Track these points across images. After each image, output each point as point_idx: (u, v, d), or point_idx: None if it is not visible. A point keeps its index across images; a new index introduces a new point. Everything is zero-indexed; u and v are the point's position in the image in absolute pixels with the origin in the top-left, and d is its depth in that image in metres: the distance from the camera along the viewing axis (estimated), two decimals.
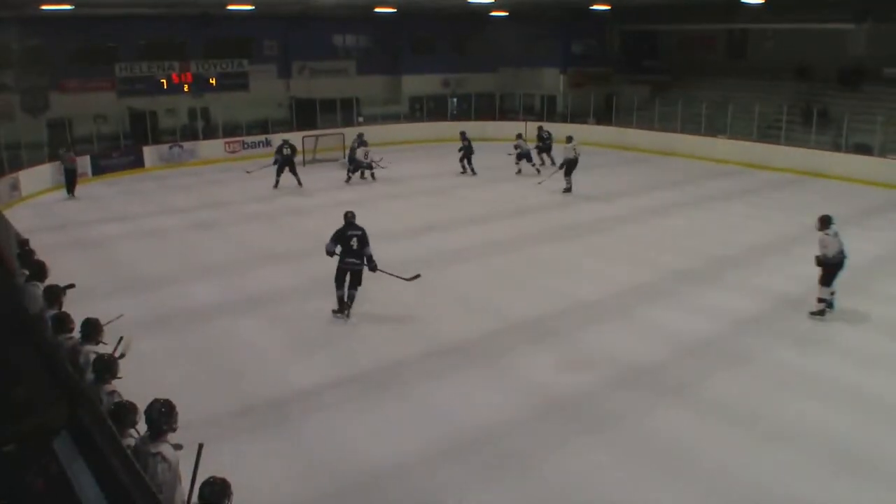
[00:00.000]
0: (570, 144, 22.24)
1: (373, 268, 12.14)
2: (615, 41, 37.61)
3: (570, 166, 22.19)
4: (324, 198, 22.06)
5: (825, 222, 12.00)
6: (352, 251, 12.02)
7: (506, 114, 36.30)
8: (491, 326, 12.05)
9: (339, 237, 12.03)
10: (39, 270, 9.21)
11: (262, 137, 30.48)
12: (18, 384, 3.01)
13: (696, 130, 29.76)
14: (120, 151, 27.64)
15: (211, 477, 5.08)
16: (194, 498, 5.16)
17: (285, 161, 23.40)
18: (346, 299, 12.20)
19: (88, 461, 2.56)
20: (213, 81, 31.59)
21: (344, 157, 26.48)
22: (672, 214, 19.78)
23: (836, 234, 11.98)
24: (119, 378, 6.67)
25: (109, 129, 28.64)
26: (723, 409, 9.31)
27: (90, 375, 6.53)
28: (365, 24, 35.01)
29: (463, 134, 26.37)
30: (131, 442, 5.45)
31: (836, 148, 25.91)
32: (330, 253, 12.09)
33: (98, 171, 25.98)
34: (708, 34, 34.81)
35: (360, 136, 25.77)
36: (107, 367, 6.54)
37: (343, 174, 24.83)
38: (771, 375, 10.24)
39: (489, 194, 22.48)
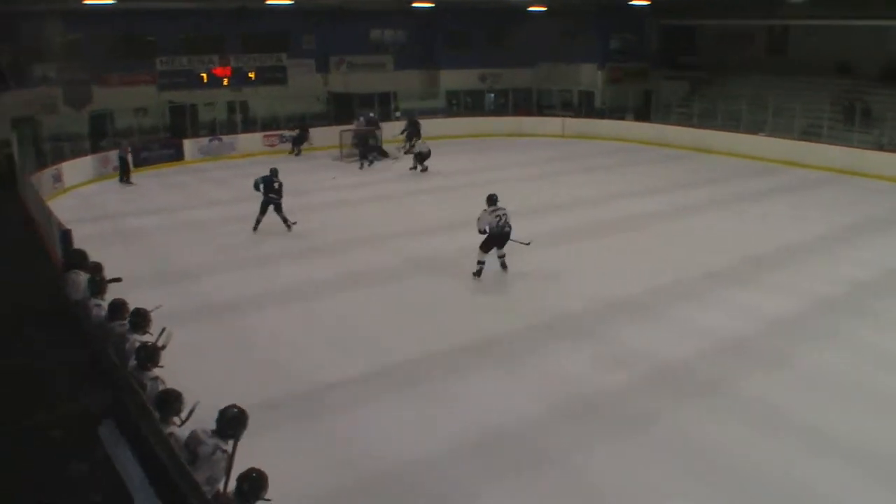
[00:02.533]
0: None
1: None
2: (653, 36, 37.27)
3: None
4: (361, 192, 22.22)
5: None
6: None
7: (543, 109, 36.18)
8: (521, 323, 12.05)
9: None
10: (81, 259, 9.38)
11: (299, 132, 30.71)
12: (61, 370, 3.09)
13: (736, 127, 29.43)
14: (160, 144, 28.02)
15: (251, 468, 5.19)
16: (230, 487, 5.28)
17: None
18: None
19: (133, 447, 2.64)
20: (252, 75, 31.89)
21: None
22: (709, 212, 19.59)
23: None
24: (160, 367, 6.81)
25: (150, 123, 29.09)
26: (758, 411, 9.21)
27: (133, 363, 6.67)
28: (402, 19, 35.09)
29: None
30: (174, 429, 5.56)
31: (879, 147, 25.48)
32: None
33: (139, 163, 26.33)
34: (747, 30, 34.35)
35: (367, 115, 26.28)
36: (150, 355, 6.69)
37: (386, 168, 24.80)
38: (808, 378, 10.12)
39: (523, 189, 22.44)
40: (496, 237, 13.69)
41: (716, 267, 14.79)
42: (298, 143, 29.09)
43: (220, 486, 5.35)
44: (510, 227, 13.73)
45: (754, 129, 28.97)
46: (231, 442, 5.58)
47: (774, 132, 28.25)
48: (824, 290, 13.37)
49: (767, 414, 9.11)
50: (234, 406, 5.79)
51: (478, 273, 13.87)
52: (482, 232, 13.69)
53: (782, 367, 10.42)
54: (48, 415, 2.35)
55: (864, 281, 14.05)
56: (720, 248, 16.11)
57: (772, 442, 8.48)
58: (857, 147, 25.69)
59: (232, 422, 5.66)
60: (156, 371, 6.72)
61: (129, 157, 24.55)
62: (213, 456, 5.47)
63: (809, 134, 27.67)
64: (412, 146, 26.78)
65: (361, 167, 25.17)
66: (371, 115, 29.47)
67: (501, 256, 14.01)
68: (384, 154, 26.24)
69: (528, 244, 14.01)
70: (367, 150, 25.16)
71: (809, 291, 13.38)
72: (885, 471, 7.94)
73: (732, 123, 29.64)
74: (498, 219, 13.59)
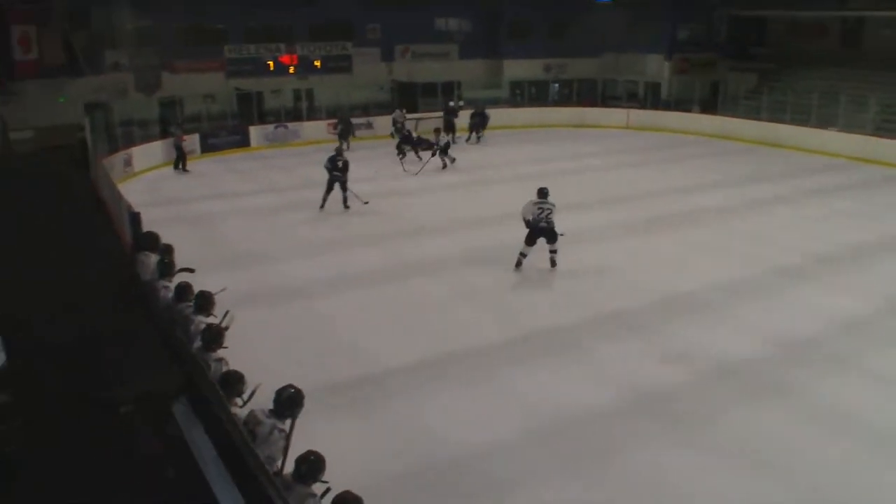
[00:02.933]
0: None
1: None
2: (722, 26, 36.54)
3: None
4: (423, 181, 22.34)
5: None
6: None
7: (607, 100, 35.82)
8: (582, 316, 12.01)
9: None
10: (152, 241, 9.60)
11: (364, 120, 30.91)
12: (132, 349, 3.20)
13: (805, 121, 28.72)
14: (227, 130, 28.50)
15: (308, 451, 5.29)
16: (288, 469, 5.38)
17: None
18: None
19: (206, 426, 2.72)
20: (317, 64, 32.17)
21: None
22: (775, 208, 19.21)
23: None
24: (224, 348, 6.98)
25: (217, 109, 29.59)
26: (822, 413, 9.05)
27: (198, 344, 6.85)
28: (467, 8, 35.05)
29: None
30: (235, 410, 5.70)
31: None
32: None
33: (206, 148, 26.89)
34: (820, 20, 33.46)
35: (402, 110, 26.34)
36: (214, 336, 6.87)
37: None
38: (874, 381, 9.88)
39: (586, 180, 22.30)
40: (534, 230, 13.54)
41: (781, 263, 14.53)
42: (344, 136, 27.67)
43: (278, 466, 5.46)
44: (549, 223, 13.49)
45: (824, 123, 28.24)
46: (288, 422, 5.69)
47: (846, 127, 27.51)
48: (894, 291, 13.05)
49: (833, 418, 8.94)
50: (290, 386, 5.90)
51: (517, 265, 13.81)
52: (526, 221, 13.60)
53: (849, 369, 10.20)
54: (121, 392, 2.44)
55: None
56: (786, 244, 15.80)
57: (838, 449, 8.29)
58: None
59: (288, 402, 5.77)
60: (220, 352, 6.91)
61: (184, 145, 24.79)
62: (271, 436, 5.58)
63: (883, 129, 26.85)
64: (478, 137, 26.73)
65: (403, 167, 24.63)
66: (451, 103, 29.34)
67: (552, 252, 13.85)
68: (417, 147, 25.08)
69: (562, 234, 13.79)
70: (404, 141, 24.63)
71: (878, 292, 13.07)
72: None
73: (801, 117, 28.93)
74: (540, 211, 13.44)
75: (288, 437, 5.56)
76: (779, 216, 18.47)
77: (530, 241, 13.66)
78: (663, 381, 9.77)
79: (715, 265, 14.42)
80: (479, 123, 28.68)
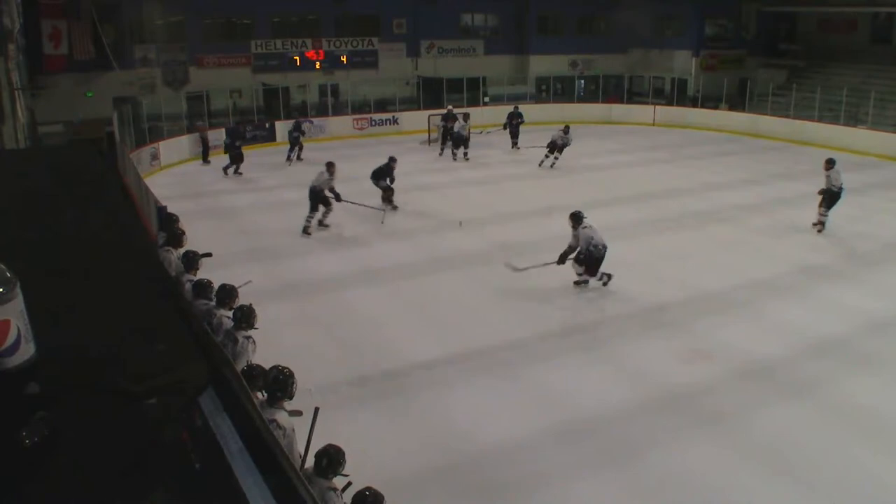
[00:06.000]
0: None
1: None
2: (751, 22, 36.20)
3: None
4: (451, 176, 22.34)
5: None
6: None
7: (634, 97, 35.60)
8: (609, 313, 11.97)
9: None
10: (175, 238, 9.66)
11: (389, 115, 30.95)
12: (159, 342, 3.20)
13: (835, 119, 28.35)
14: (254, 125, 28.63)
15: (328, 445, 5.28)
16: (309, 462, 5.38)
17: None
18: None
19: (232, 417, 2.72)
20: (343, 59, 32.24)
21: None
22: (803, 206, 18.98)
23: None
24: (255, 329, 7.11)
25: (244, 104, 29.75)
26: (847, 414, 8.96)
27: (229, 324, 7.11)
28: (493, 3, 35.03)
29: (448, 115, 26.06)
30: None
31: None
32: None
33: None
34: (850, 16, 33.05)
35: (451, 110, 26.00)
36: (246, 315, 7.09)
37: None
38: None
39: (613, 177, 22.17)
40: (596, 258, 12.57)
41: (809, 262, 14.40)
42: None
43: (298, 461, 5.46)
44: (605, 246, 12.59)
45: (854, 121, 27.89)
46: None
47: (875, 125, 27.15)
48: None
49: (858, 419, 8.86)
50: (276, 366, 5.89)
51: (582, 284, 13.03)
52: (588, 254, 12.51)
53: (878, 370, 10.09)
54: (148, 384, 2.46)
55: None
56: (815, 242, 15.65)
57: (862, 450, 8.21)
58: None
59: (279, 383, 5.72)
60: (249, 332, 7.09)
61: (209, 137, 24.95)
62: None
63: None
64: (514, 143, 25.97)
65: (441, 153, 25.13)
66: (450, 107, 27.68)
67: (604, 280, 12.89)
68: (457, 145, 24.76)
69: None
70: (457, 141, 24.61)
71: None
72: None
73: (831, 115, 28.58)
74: (591, 237, 12.47)
75: (310, 431, 5.55)
76: (808, 214, 18.26)
77: (595, 272, 12.74)
78: (689, 379, 9.72)
79: (742, 263, 14.31)
80: (516, 126, 26.80)
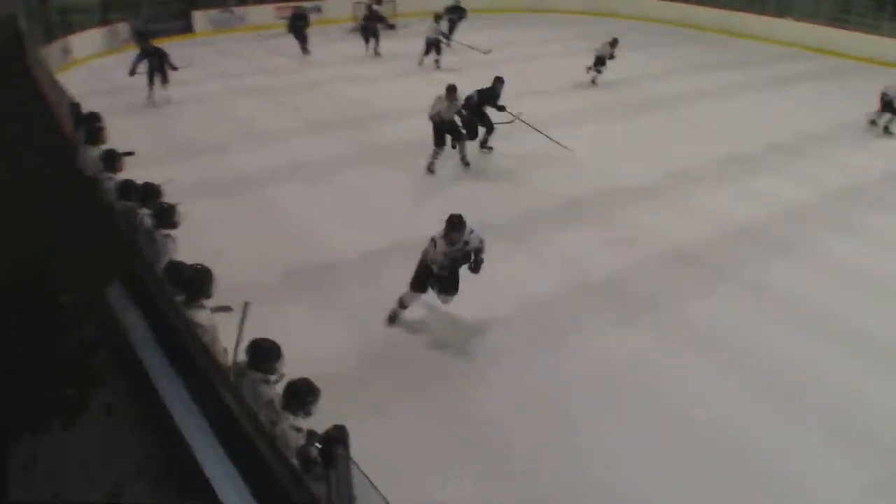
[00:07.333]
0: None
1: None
2: None
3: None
4: (383, 69, 21.93)
5: None
6: None
7: None
8: (538, 203, 12.06)
9: None
10: (93, 134, 9.30)
11: (313, 3, 29.81)
12: (73, 239, 3.09)
13: (763, 10, 28.45)
14: (169, 16, 27.35)
15: (258, 338, 5.22)
16: (240, 357, 5.33)
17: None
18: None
19: (143, 311, 2.64)
20: None
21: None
22: (729, 97, 19.21)
23: None
24: (177, 227, 6.99)
25: None
26: (766, 295, 9.39)
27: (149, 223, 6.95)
28: None
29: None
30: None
31: None
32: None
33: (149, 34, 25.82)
34: None
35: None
36: (166, 214, 6.94)
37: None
38: (819, 266, 10.22)
39: (544, 67, 21.97)
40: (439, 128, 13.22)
41: (733, 152, 14.66)
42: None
43: (230, 357, 5.41)
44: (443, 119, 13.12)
45: (781, 12, 28.01)
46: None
47: (802, 16, 27.31)
48: (842, 181, 13.37)
49: (778, 302, 9.26)
50: (192, 266, 5.84)
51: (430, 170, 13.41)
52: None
53: (795, 255, 10.51)
54: (57, 280, 2.37)
55: (890, 171, 14.12)
56: (740, 133, 15.93)
57: (781, 327, 8.63)
58: (889, 37, 24.80)
59: (194, 283, 5.69)
60: (171, 232, 6.91)
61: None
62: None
63: (839, 21, 26.68)
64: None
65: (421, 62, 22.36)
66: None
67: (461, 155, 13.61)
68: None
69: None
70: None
71: (827, 180, 13.34)
72: (886, 360, 8.15)
73: (758, 6, 28.63)
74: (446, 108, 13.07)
75: (240, 326, 5.45)
76: (734, 104, 18.51)
77: (440, 141, 13.29)
78: (616, 266, 10.00)
79: (669, 153, 14.48)
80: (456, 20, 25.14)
